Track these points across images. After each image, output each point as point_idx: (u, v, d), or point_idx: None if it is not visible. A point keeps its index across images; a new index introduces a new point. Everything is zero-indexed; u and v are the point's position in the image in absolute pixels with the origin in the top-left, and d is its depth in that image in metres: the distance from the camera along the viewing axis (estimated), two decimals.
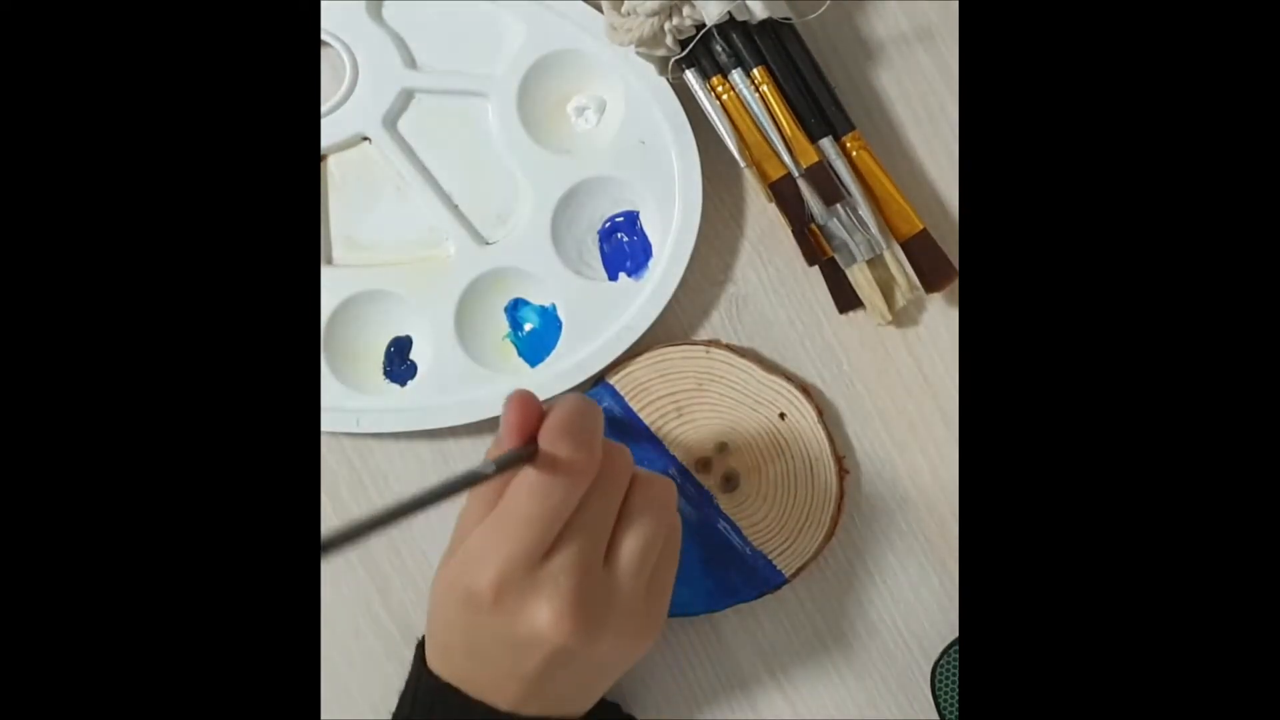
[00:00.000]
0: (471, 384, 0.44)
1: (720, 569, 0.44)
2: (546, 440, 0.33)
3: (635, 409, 0.44)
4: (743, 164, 0.43)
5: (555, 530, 0.33)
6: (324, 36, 0.45)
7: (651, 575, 0.36)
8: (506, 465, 0.32)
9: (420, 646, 0.39)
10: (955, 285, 0.44)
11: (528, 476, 0.32)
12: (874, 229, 0.43)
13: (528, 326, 0.45)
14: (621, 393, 0.44)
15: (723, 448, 0.44)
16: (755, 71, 0.43)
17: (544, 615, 0.33)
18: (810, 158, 0.43)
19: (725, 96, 0.43)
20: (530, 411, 0.34)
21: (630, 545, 0.35)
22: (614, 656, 0.35)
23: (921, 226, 0.43)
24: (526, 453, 0.33)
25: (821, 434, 0.44)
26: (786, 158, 0.43)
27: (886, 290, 0.43)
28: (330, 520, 0.45)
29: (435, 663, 0.37)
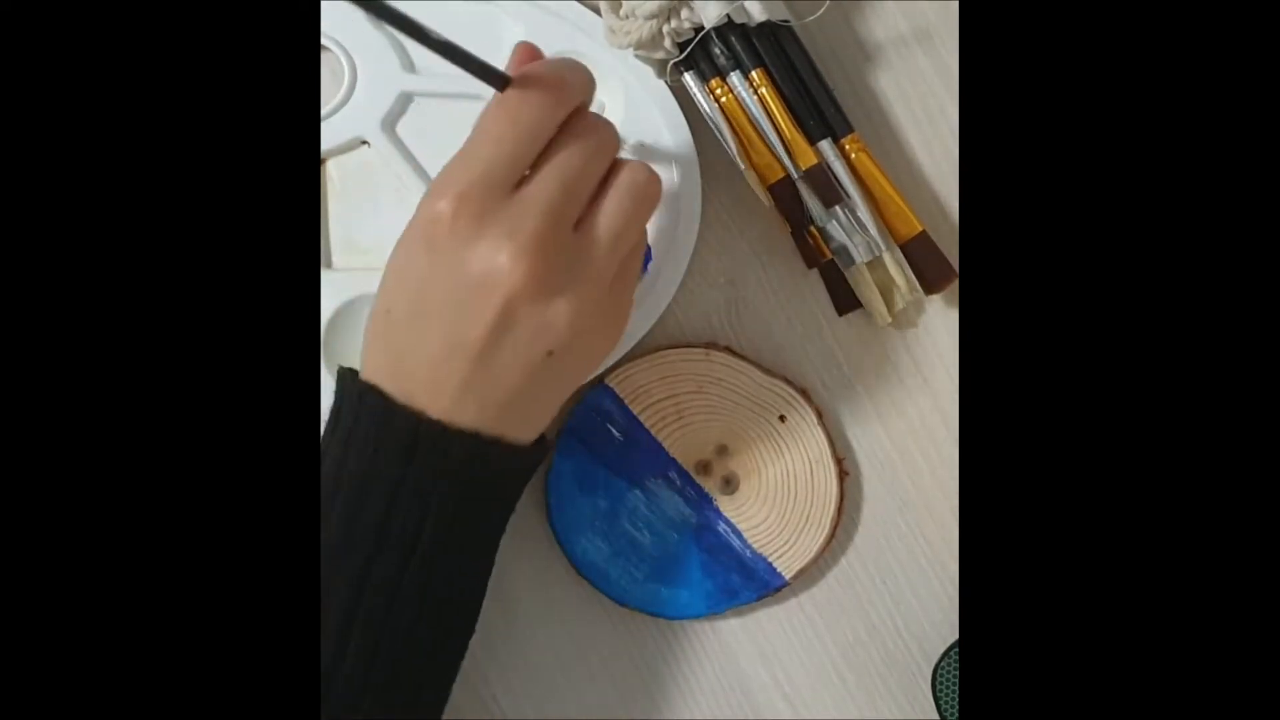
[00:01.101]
0: None
1: (720, 571, 0.44)
2: (526, 67, 0.33)
3: (635, 411, 0.44)
4: (741, 166, 0.43)
5: (523, 156, 0.31)
6: (322, 40, 0.45)
7: (621, 265, 0.34)
8: (482, 70, 0.32)
9: (344, 373, 0.36)
10: (954, 287, 0.44)
11: (501, 96, 0.32)
12: (873, 231, 0.43)
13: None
14: (621, 395, 0.44)
15: (722, 450, 0.44)
16: (754, 74, 0.43)
17: (501, 253, 0.30)
18: (809, 160, 0.43)
19: (724, 99, 0.43)
20: (531, 55, 0.34)
21: (607, 215, 0.33)
22: (570, 336, 0.32)
23: (920, 228, 0.43)
24: (504, 76, 0.32)
25: (821, 436, 0.44)
26: (785, 160, 0.43)
27: (886, 292, 0.44)
28: None
29: (372, 362, 0.34)
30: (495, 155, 0.31)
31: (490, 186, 0.31)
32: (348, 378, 0.35)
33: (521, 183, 0.32)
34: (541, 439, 0.36)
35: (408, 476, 0.32)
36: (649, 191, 0.34)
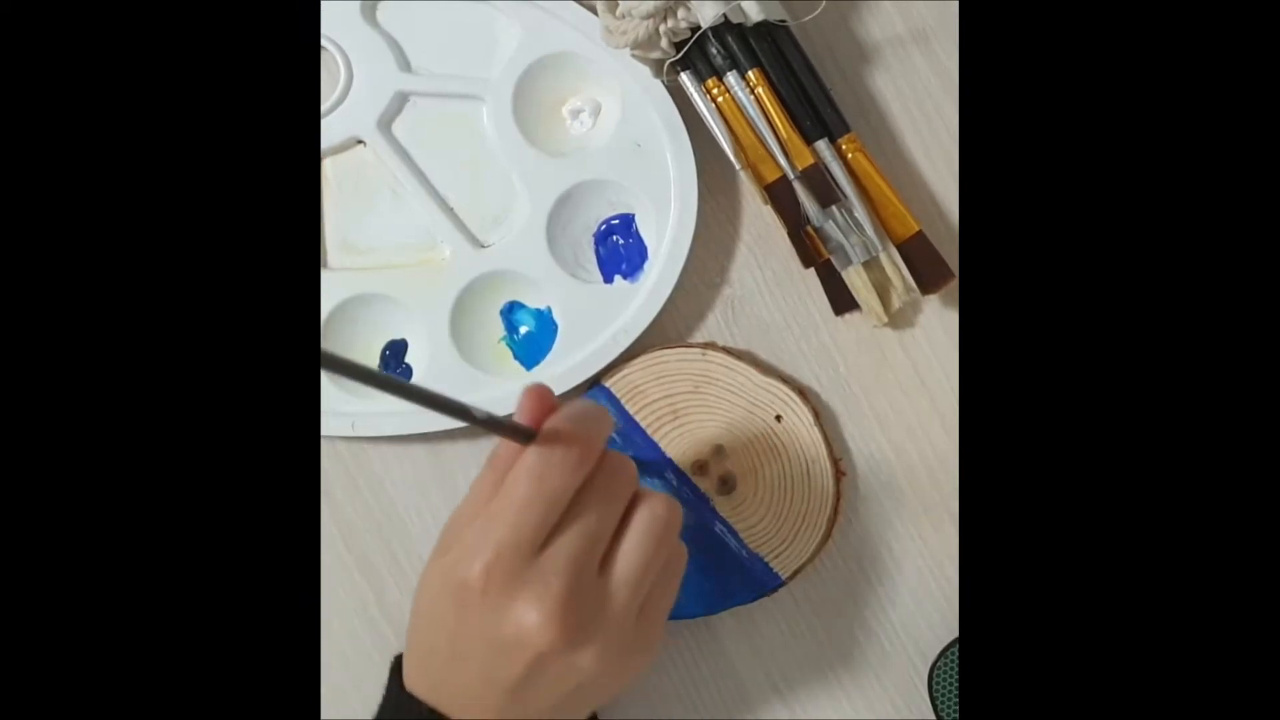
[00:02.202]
0: (467, 387, 0.44)
1: (717, 571, 0.44)
2: (550, 423, 0.33)
3: (631, 412, 0.44)
4: (738, 166, 0.43)
5: (551, 519, 0.32)
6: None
7: (647, 597, 0.35)
8: (499, 425, 0.32)
9: (396, 666, 0.38)
10: (951, 287, 0.44)
11: (526, 458, 0.32)
12: (870, 231, 0.43)
13: (523, 329, 0.45)
14: (617, 395, 0.44)
15: (719, 450, 0.44)
16: (750, 74, 0.43)
17: (531, 614, 0.32)
18: (806, 160, 0.43)
19: (721, 99, 0.43)
20: (544, 401, 0.34)
21: (627, 558, 0.34)
22: (598, 673, 0.34)
23: (917, 228, 0.43)
24: (527, 431, 0.33)
25: (818, 436, 0.44)
26: (782, 160, 0.43)
27: (883, 292, 0.43)
28: (327, 523, 0.45)
29: (412, 676, 0.37)
30: (523, 520, 0.32)
31: (519, 551, 0.32)
32: (396, 674, 0.38)
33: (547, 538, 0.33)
34: None
35: None
36: (669, 527, 0.35)
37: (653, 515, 0.35)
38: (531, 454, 0.32)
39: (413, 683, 0.36)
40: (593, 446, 0.33)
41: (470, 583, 0.32)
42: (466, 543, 0.33)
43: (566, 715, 0.36)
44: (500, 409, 0.44)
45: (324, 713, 0.44)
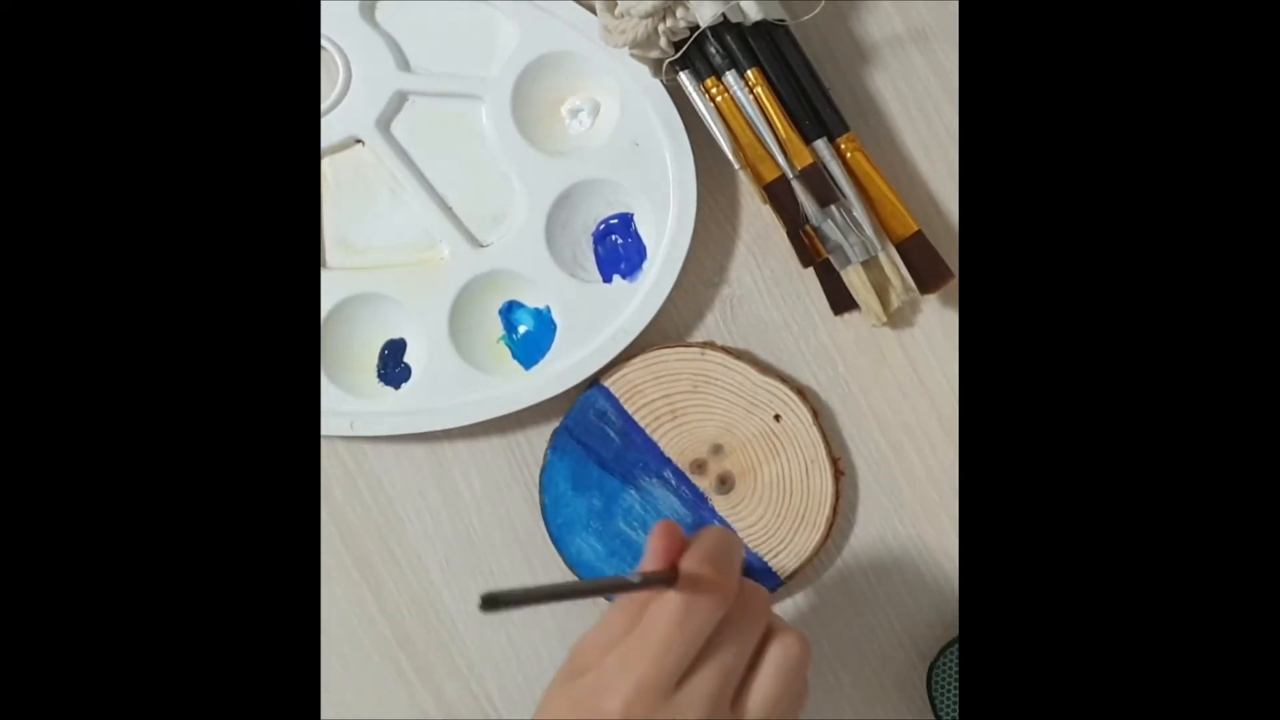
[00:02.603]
0: (466, 387, 0.44)
1: None
2: (690, 562, 0.33)
3: (630, 411, 0.44)
4: (737, 166, 0.43)
5: (690, 657, 0.33)
6: None
7: None
8: (651, 581, 0.33)
9: None
10: (950, 286, 0.44)
11: (668, 600, 0.32)
12: (869, 230, 0.43)
13: (522, 329, 0.45)
14: (616, 395, 0.44)
15: (718, 449, 0.44)
16: (749, 73, 0.43)
17: None
18: (805, 159, 0.43)
19: (719, 98, 0.43)
20: (674, 539, 0.34)
21: (760, 697, 0.34)
22: None
23: (916, 228, 0.43)
24: (669, 575, 0.33)
25: (817, 435, 0.44)
26: (781, 159, 0.43)
27: (881, 292, 0.43)
28: (325, 522, 0.45)
29: None
30: (664, 660, 0.32)
31: (660, 691, 0.32)
32: None
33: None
34: None
35: None
36: (801, 665, 0.35)
37: (786, 654, 0.35)
38: (674, 596, 0.32)
39: None
40: (732, 586, 0.33)
41: (609, 715, 0.32)
42: (607, 672, 0.33)
43: None
44: (500, 408, 0.44)
45: (323, 710, 0.44)
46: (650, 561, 0.34)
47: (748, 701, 0.34)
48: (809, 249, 0.43)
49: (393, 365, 0.45)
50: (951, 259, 0.43)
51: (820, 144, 0.43)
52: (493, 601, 0.28)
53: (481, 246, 0.45)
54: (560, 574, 0.45)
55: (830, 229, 0.43)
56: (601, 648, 0.34)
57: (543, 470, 0.44)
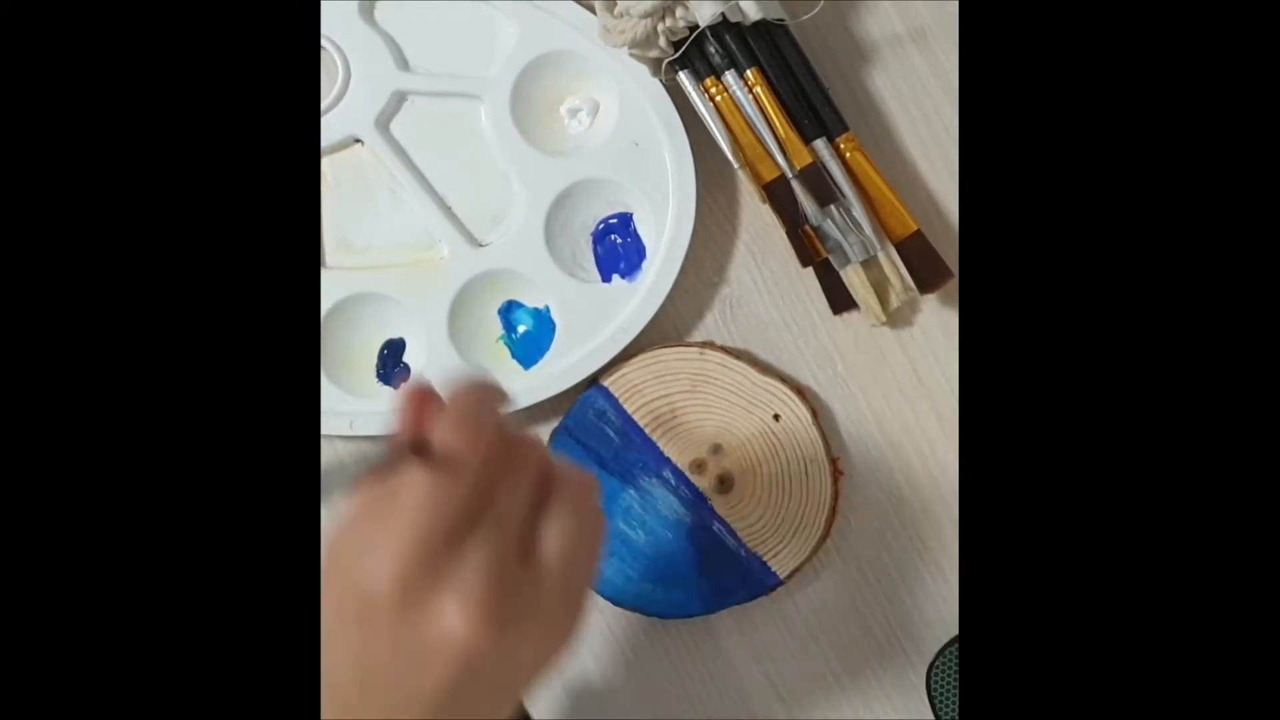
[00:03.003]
0: None
1: (715, 571, 0.44)
2: (438, 431, 0.30)
3: (629, 411, 0.44)
4: (736, 165, 0.43)
5: (455, 526, 0.29)
6: None
7: (573, 570, 0.32)
8: (385, 464, 0.30)
9: None
10: (950, 286, 0.44)
11: (413, 471, 0.29)
12: (868, 230, 0.43)
13: (521, 329, 0.45)
14: (615, 395, 0.44)
15: (717, 449, 0.44)
16: (749, 73, 0.43)
17: (452, 614, 0.29)
18: (804, 159, 0.43)
19: (719, 98, 0.43)
20: (424, 404, 0.31)
21: (550, 545, 0.31)
22: (530, 659, 0.32)
23: (916, 227, 0.43)
24: (416, 445, 0.30)
25: (816, 435, 0.44)
26: (780, 159, 0.43)
27: (881, 291, 0.43)
28: (324, 521, 0.45)
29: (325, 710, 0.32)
30: (426, 531, 0.29)
31: (428, 556, 0.29)
32: None
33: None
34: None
35: None
36: (588, 500, 0.33)
37: (567, 497, 0.32)
38: (421, 473, 0.29)
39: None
40: (488, 446, 0.30)
41: (376, 598, 0.29)
42: (363, 562, 0.30)
43: (501, 709, 0.33)
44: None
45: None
46: (398, 429, 0.31)
47: (539, 554, 0.31)
48: (808, 249, 0.43)
49: (392, 365, 0.45)
50: (951, 258, 0.43)
51: (819, 143, 0.43)
52: None
53: (481, 246, 0.45)
54: None
55: (829, 228, 0.43)
56: (357, 537, 0.31)
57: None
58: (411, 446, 0.30)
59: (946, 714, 0.44)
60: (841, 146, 0.43)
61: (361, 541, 0.30)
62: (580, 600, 0.34)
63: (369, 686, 0.30)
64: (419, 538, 0.29)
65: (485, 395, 0.32)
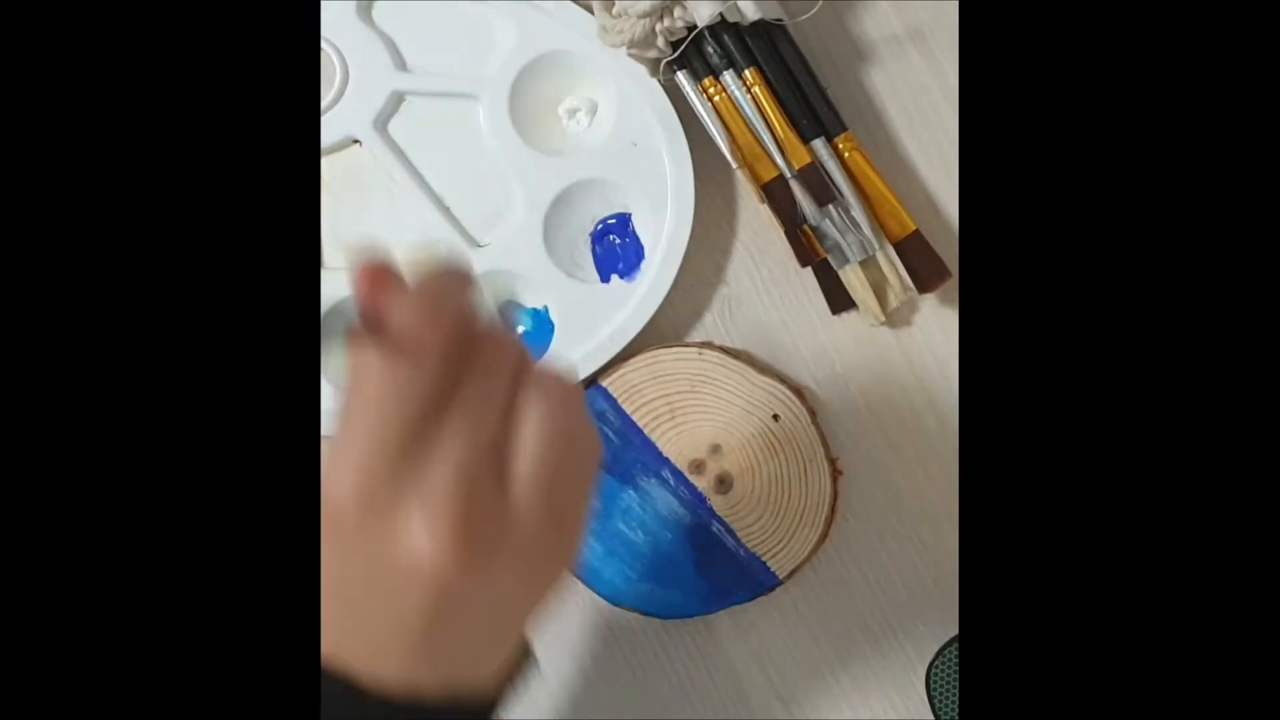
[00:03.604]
0: None
1: (714, 571, 0.44)
2: (395, 312, 0.27)
3: (628, 411, 0.44)
4: (735, 165, 0.43)
5: (418, 421, 0.26)
6: None
7: (557, 492, 0.28)
8: (351, 335, 0.27)
9: None
10: (948, 286, 0.44)
11: (369, 361, 0.26)
12: (867, 230, 0.43)
13: (519, 329, 0.45)
14: (614, 395, 0.44)
15: (716, 449, 0.44)
16: (747, 73, 0.43)
17: (421, 536, 0.26)
18: (802, 159, 0.43)
19: (717, 98, 0.43)
20: (377, 279, 0.27)
21: (525, 454, 0.27)
22: (516, 593, 0.29)
23: (914, 227, 0.43)
24: (371, 325, 0.27)
25: (815, 435, 0.44)
26: (779, 159, 0.43)
27: (879, 291, 0.43)
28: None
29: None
30: (386, 431, 0.26)
31: (389, 463, 0.26)
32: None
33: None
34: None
35: None
36: (569, 405, 0.29)
37: (543, 399, 0.28)
38: (374, 356, 0.26)
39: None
40: (443, 321, 0.27)
41: (340, 513, 0.26)
42: (329, 466, 0.27)
43: (493, 649, 0.31)
44: None
45: None
46: (354, 307, 0.27)
47: (514, 468, 0.27)
48: (807, 249, 0.43)
49: None
50: (949, 258, 0.44)
51: (818, 143, 0.43)
52: None
53: (479, 246, 0.45)
54: None
55: (828, 228, 0.43)
56: (331, 436, 0.27)
57: None
58: (367, 326, 0.27)
59: (945, 713, 0.44)
60: (840, 146, 0.43)
61: (331, 442, 0.27)
62: (569, 530, 0.30)
63: (349, 613, 0.28)
64: (379, 437, 0.26)
65: (451, 278, 0.28)
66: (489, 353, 0.28)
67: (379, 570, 0.27)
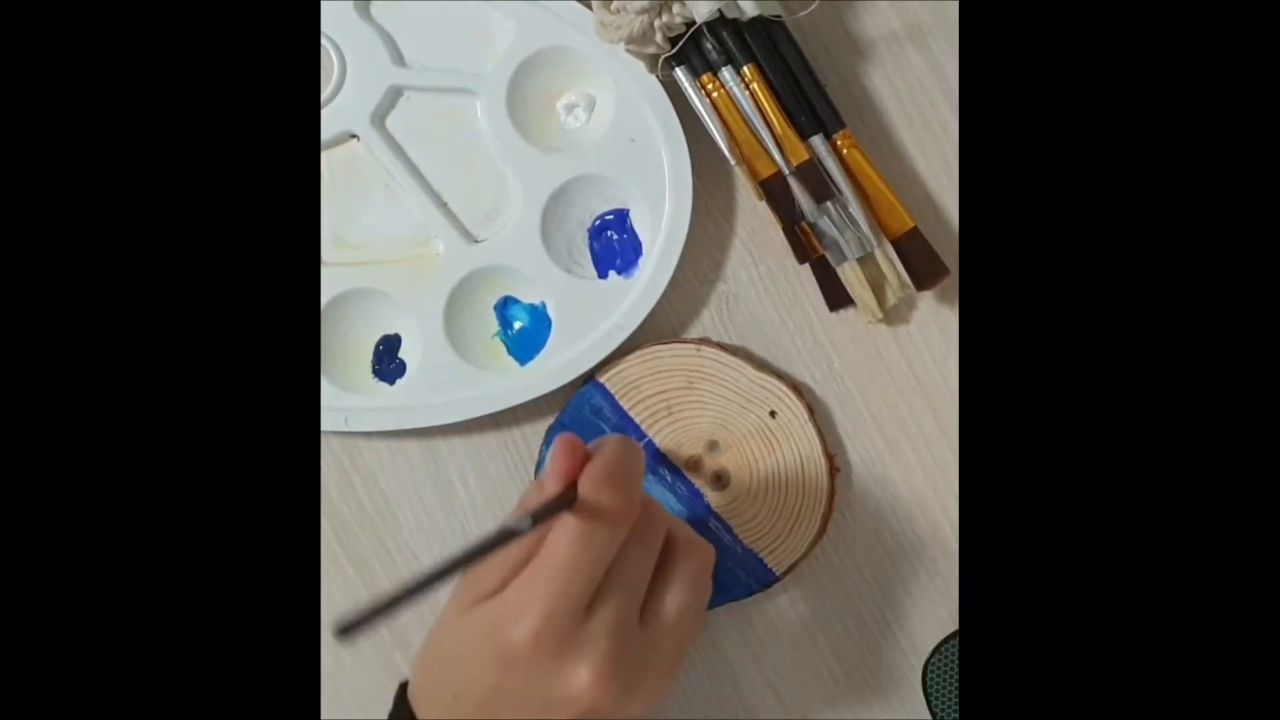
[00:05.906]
0: (461, 383, 0.44)
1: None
2: (588, 485, 0.32)
3: (625, 407, 0.44)
4: (733, 162, 0.43)
5: (596, 581, 0.32)
6: None
7: (686, 633, 0.35)
8: (542, 517, 0.31)
9: (403, 693, 0.36)
10: (946, 283, 0.44)
11: (569, 524, 0.32)
12: (865, 227, 0.43)
13: (517, 325, 0.45)
14: (612, 391, 0.44)
15: (713, 446, 0.44)
16: (745, 69, 0.43)
17: (582, 676, 0.32)
18: (801, 155, 0.43)
19: (715, 94, 0.43)
20: (576, 455, 0.33)
21: (669, 608, 0.34)
22: (641, 710, 0.34)
23: (912, 224, 0.43)
24: (565, 500, 0.32)
25: (812, 432, 0.44)
26: (777, 155, 0.43)
27: (877, 288, 0.43)
28: (321, 519, 0.45)
29: (431, 710, 0.35)
30: (570, 586, 0.31)
31: (569, 616, 0.32)
32: (404, 702, 0.36)
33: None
34: None
35: None
36: (705, 573, 0.35)
37: (691, 565, 0.35)
38: (574, 522, 0.31)
39: (428, 716, 0.35)
40: (634, 501, 0.33)
41: (517, 646, 0.32)
42: (510, 603, 0.32)
43: None
44: (495, 404, 0.44)
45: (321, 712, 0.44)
46: (552, 480, 0.33)
47: (658, 615, 0.34)
48: (805, 245, 0.43)
49: (387, 361, 0.45)
50: (948, 255, 0.44)
51: (816, 140, 0.43)
52: (348, 628, 0.26)
53: (476, 242, 0.45)
54: None
55: (826, 225, 0.43)
56: (501, 573, 0.33)
57: (538, 466, 0.44)
58: (563, 498, 0.32)
59: (942, 710, 0.44)
60: (838, 143, 0.43)
61: (512, 590, 0.32)
62: (681, 658, 0.36)
63: (489, 713, 0.33)
64: (563, 597, 0.31)
65: (631, 453, 0.34)
66: (645, 523, 0.33)
67: (537, 696, 0.32)
